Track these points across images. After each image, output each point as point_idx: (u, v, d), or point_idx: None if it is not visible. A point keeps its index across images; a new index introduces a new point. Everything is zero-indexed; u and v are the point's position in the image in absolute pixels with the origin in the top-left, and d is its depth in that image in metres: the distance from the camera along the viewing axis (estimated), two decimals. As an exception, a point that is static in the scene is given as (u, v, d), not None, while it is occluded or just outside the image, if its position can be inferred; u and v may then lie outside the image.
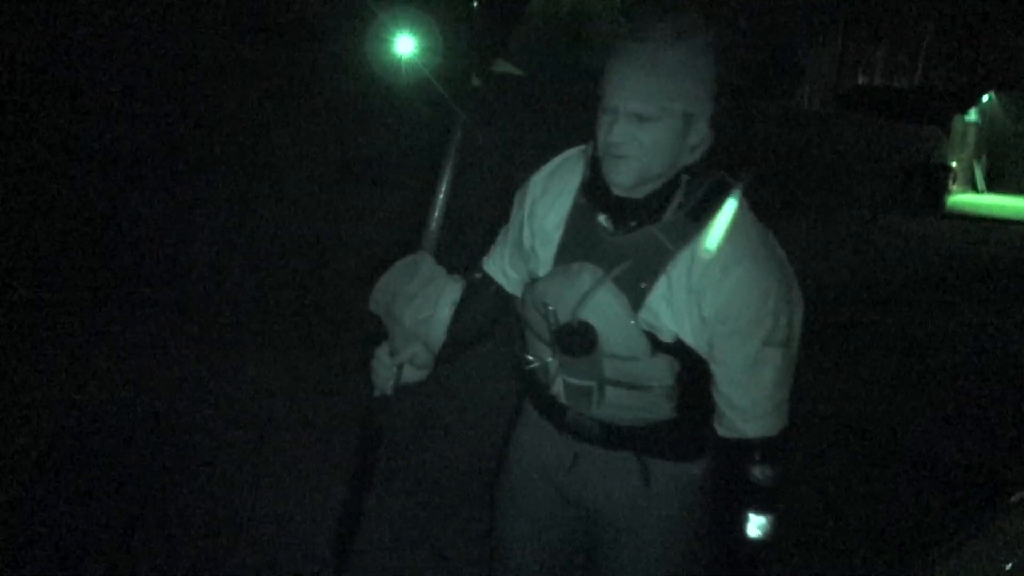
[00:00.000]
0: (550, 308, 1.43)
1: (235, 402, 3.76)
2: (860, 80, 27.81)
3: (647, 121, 1.29)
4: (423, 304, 1.56)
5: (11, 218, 5.36)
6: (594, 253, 1.40)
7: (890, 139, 14.49)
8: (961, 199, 16.56)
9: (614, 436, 1.51)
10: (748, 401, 1.39)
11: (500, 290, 1.62)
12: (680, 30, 1.27)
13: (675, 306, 1.36)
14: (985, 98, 19.03)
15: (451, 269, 1.64)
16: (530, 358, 1.55)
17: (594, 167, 1.41)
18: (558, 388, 1.51)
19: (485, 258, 1.65)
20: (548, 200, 1.49)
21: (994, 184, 19.46)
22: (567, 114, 9.18)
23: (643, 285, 1.36)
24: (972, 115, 18.43)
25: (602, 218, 1.40)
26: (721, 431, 1.43)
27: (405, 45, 2.30)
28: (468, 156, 1.69)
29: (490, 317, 1.65)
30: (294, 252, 6.20)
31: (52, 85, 5.78)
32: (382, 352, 1.63)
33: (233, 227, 6.14)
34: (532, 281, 1.49)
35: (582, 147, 1.51)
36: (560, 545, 1.72)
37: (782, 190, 11.30)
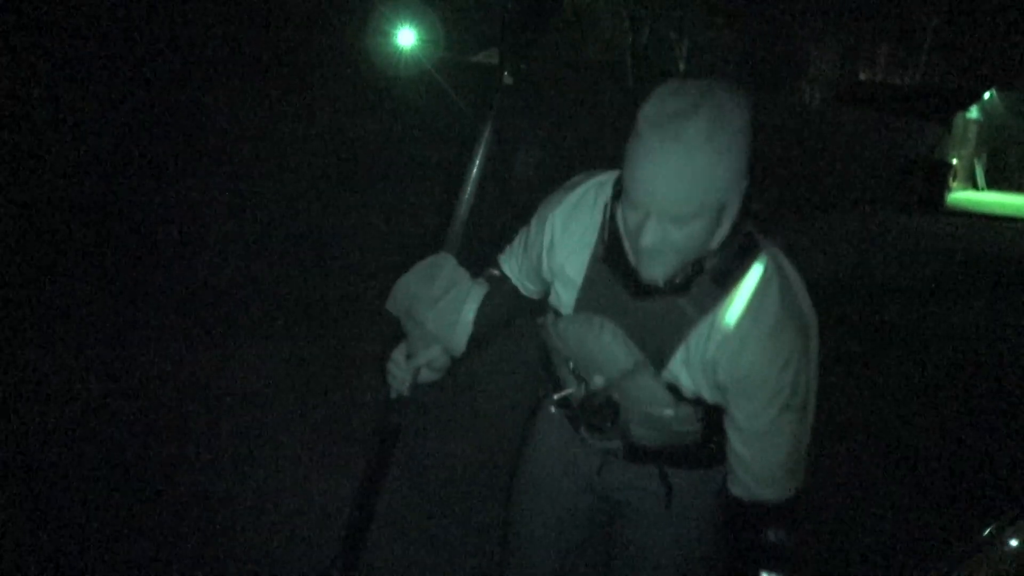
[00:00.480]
0: (571, 364, 1.47)
1: (235, 393, 3.77)
2: (862, 76, 27.78)
3: (681, 222, 1.19)
4: (448, 308, 1.52)
5: (15, 208, 5.37)
6: (614, 309, 1.38)
7: (891, 135, 14.50)
8: (961, 196, 16.58)
9: (639, 455, 1.54)
10: (763, 465, 1.37)
11: (516, 290, 1.60)
12: (715, 123, 1.13)
13: (693, 371, 1.36)
14: (987, 95, 19.01)
15: (470, 268, 1.61)
16: (555, 398, 1.57)
17: (612, 236, 1.33)
18: (584, 433, 1.56)
19: (501, 256, 1.61)
20: (567, 244, 1.44)
21: (994, 181, 19.46)
22: (568, 108, 9.20)
23: (664, 349, 1.35)
24: (974, 112, 18.42)
25: (623, 286, 1.36)
26: (735, 491, 1.41)
27: (406, 37, 2.28)
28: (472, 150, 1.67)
29: (507, 315, 1.63)
30: (296, 243, 6.21)
31: (55, 77, 5.77)
32: (399, 355, 1.59)
33: (235, 218, 6.15)
34: (556, 315, 1.48)
35: (598, 181, 1.43)
36: (581, 533, 1.75)
37: (783, 185, 11.31)
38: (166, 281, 5.15)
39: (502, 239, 1.66)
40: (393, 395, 1.62)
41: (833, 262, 8.56)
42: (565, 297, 1.45)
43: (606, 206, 1.38)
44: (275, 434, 3.43)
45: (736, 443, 1.38)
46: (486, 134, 1.60)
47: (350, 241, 6.36)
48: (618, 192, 1.33)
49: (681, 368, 1.36)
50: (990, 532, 1.63)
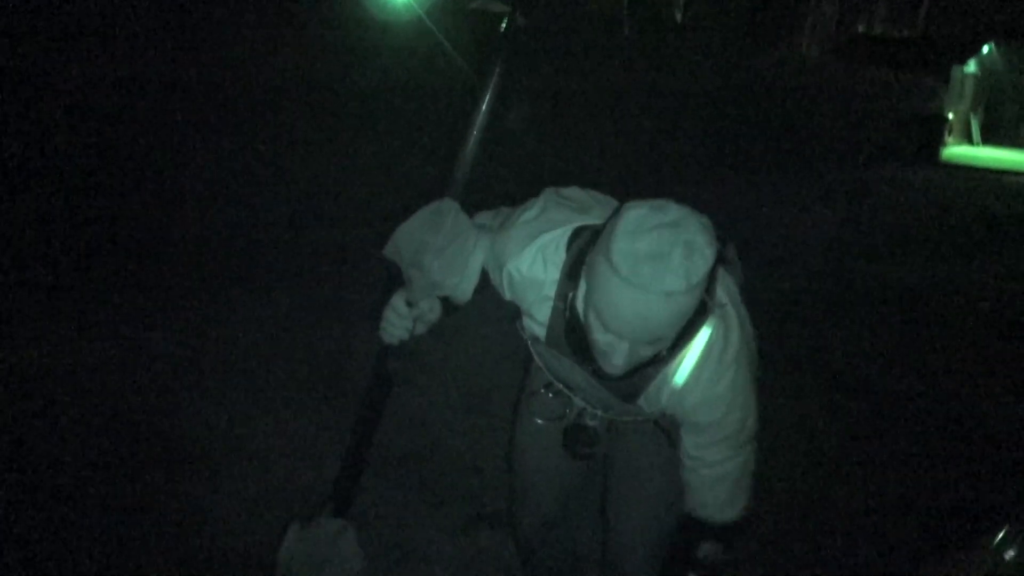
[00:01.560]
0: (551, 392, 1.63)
1: (227, 342, 3.80)
2: (860, 28, 27.44)
3: (652, 344, 1.27)
4: (455, 256, 1.52)
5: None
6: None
7: (888, 89, 14.39)
8: (956, 151, 16.48)
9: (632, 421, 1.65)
10: (711, 491, 1.49)
11: None
12: (689, 264, 1.17)
13: (653, 408, 1.49)
14: (985, 49, 18.81)
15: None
16: (544, 388, 1.68)
17: (572, 318, 1.39)
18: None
19: (479, 217, 1.62)
20: (530, 293, 1.49)
21: (990, 136, 19.33)
22: (563, 59, 9.09)
23: (627, 394, 1.47)
24: (971, 67, 18.24)
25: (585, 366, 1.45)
26: (686, 506, 1.54)
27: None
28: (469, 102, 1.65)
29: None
30: (287, 192, 6.18)
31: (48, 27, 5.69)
32: (399, 301, 1.59)
33: (223, 167, 6.11)
34: (535, 337, 1.55)
35: (547, 241, 1.45)
36: (581, 474, 1.84)
37: (779, 138, 11.26)
38: (154, 232, 5.14)
39: (487, 190, 1.66)
40: (394, 341, 1.63)
41: (827, 215, 8.57)
42: (537, 331, 1.53)
43: (561, 244, 1.42)
44: (268, 381, 3.47)
45: (687, 470, 1.50)
46: (495, 76, 1.59)
47: (341, 190, 6.34)
48: (572, 269, 1.37)
49: (644, 405, 1.49)
50: (993, 542, 1.68)
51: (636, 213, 1.21)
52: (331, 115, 6.79)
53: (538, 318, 1.49)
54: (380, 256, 1.57)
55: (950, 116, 16.01)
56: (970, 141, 18.77)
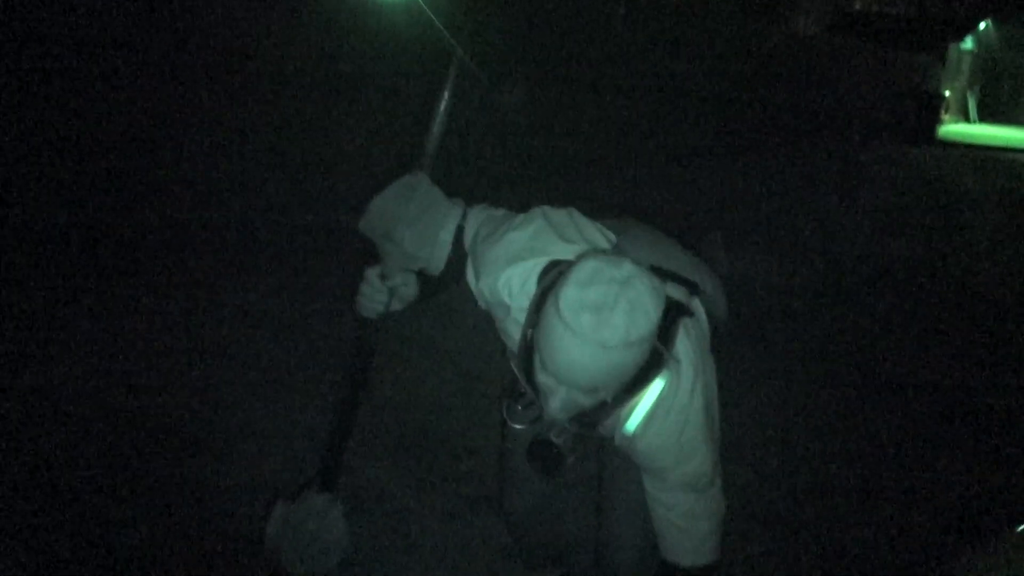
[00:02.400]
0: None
1: (219, 323, 3.80)
2: (857, 6, 27.31)
3: (590, 394, 1.28)
4: (425, 229, 1.54)
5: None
6: None
7: (884, 66, 14.35)
8: (953, 128, 16.45)
9: None
10: (671, 534, 1.51)
11: None
12: (631, 319, 1.19)
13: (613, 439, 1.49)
14: (982, 26, 18.75)
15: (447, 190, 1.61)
16: (517, 427, 1.64)
17: (529, 353, 1.37)
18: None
19: (472, 214, 1.60)
20: (499, 311, 1.51)
21: (987, 114, 19.29)
22: (559, 38, 9.07)
23: (590, 422, 1.44)
24: (968, 43, 18.19)
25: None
26: (660, 553, 1.55)
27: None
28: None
29: None
30: (275, 173, 6.16)
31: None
32: (373, 274, 1.61)
33: (213, 152, 6.09)
34: (509, 349, 1.56)
35: (519, 271, 1.45)
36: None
37: (774, 114, 11.23)
38: (144, 220, 5.12)
39: (484, 172, 1.65)
40: (371, 315, 1.63)
41: (823, 194, 8.55)
42: (508, 343, 1.55)
43: (528, 278, 1.42)
44: (260, 361, 3.48)
45: (654, 511, 1.52)
46: (458, 53, 1.60)
47: (331, 169, 6.31)
48: (539, 304, 1.34)
49: (603, 432, 1.49)
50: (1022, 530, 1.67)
51: (591, 264, 1.24)
52: (321, 97, 6.76)
53: (510, 334, 1.51)
54: (356, 231, 1.58)
55: (946, 94, 16.00)
56: (967, 118, 18.74)
